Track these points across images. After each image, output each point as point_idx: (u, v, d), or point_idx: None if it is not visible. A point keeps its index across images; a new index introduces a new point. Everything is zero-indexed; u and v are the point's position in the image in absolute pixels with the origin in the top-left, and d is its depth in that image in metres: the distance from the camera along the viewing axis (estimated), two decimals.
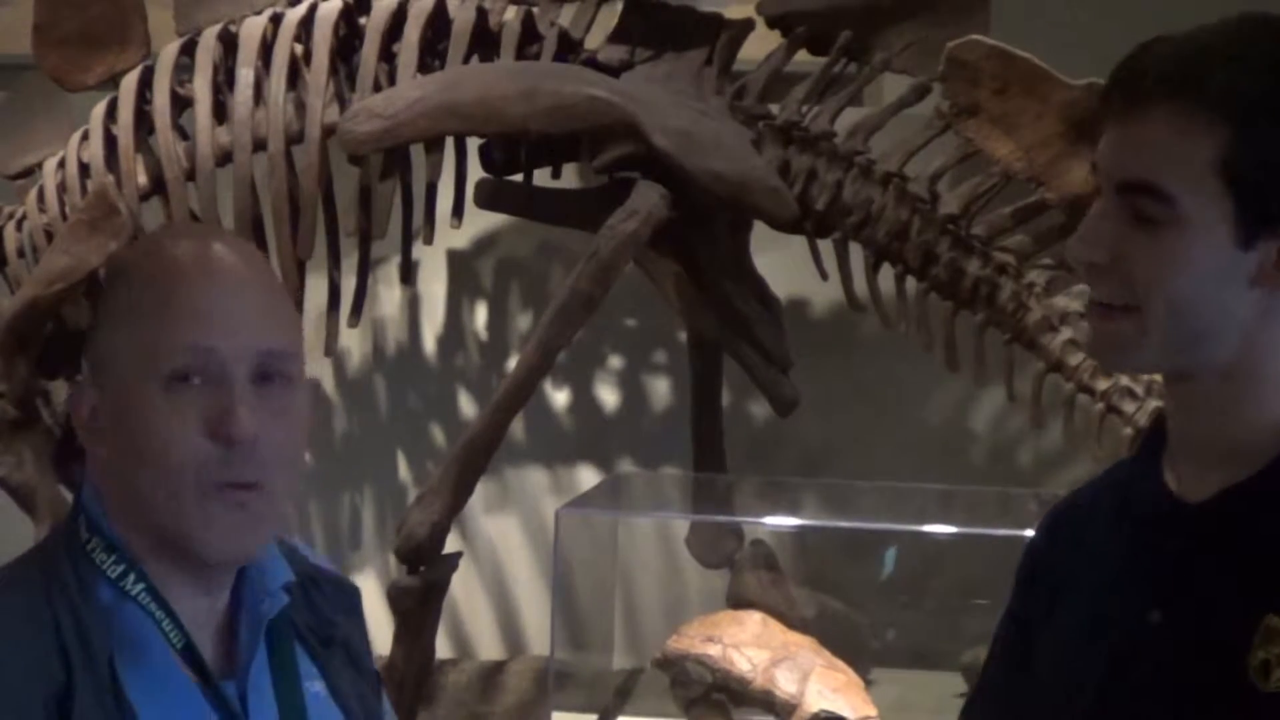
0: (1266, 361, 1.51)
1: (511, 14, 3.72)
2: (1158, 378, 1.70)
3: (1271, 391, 1.52)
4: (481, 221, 4.21)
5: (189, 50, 3.73)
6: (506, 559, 4.37)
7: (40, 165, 3.84)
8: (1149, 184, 1.47)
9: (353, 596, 1.81)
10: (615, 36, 3.73)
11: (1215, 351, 1.50)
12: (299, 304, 3.55)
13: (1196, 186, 1.45)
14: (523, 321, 4.36)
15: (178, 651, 1.54)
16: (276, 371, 1.57)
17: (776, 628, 3.58)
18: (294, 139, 3.64)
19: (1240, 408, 1.52)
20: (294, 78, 3.66)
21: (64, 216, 3.71)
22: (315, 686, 1.66)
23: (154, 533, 1.55)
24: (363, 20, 3.70)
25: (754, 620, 3.58)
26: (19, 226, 3.85)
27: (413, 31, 3.64)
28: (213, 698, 1.55)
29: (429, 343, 4.43)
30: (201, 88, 3.66)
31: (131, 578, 1.55)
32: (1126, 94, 1.50)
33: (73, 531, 1.60)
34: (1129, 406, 3.34)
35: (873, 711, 3.41)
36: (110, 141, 3.70)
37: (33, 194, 3.82)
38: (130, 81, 3.72)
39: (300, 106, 3.64)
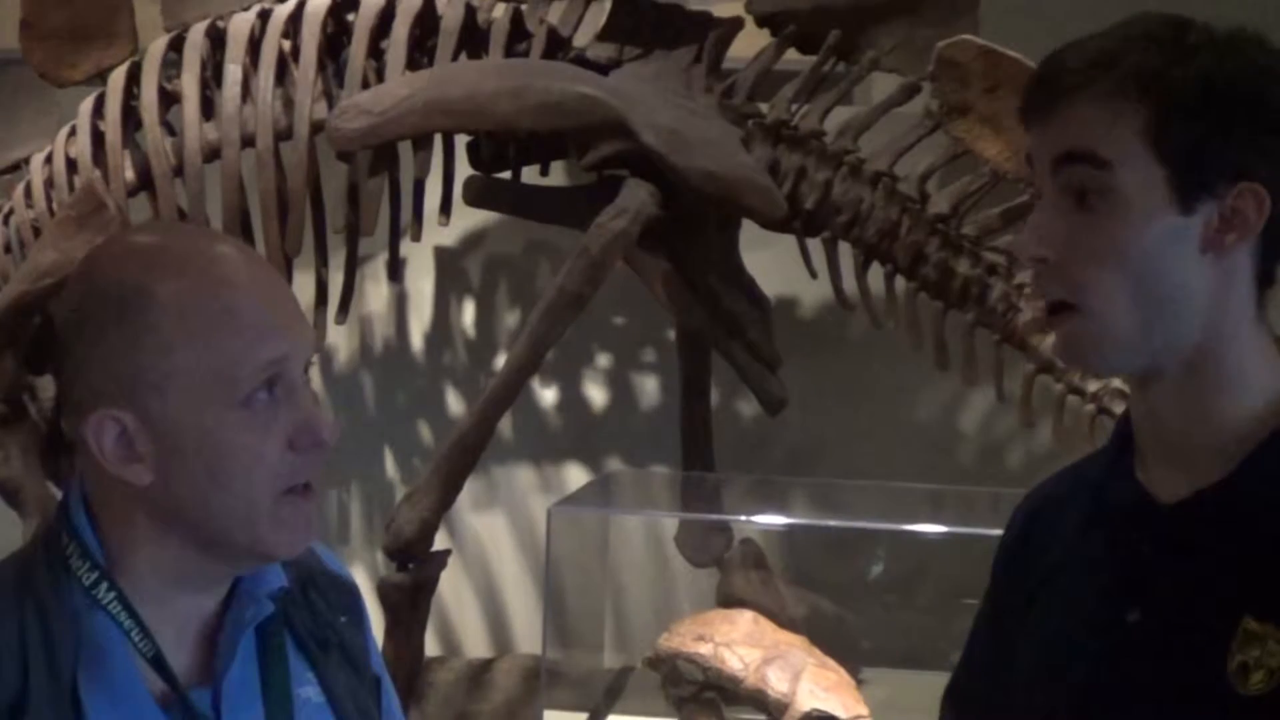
0: (1227, 345, 1.52)
1: (500, 11, 3.72)
2: None
3: (1236, 384, 1.53)
4: (470, 219, 4.21)
5: (177, 46, 3.72)
6: (495, 557, 4.37)
7: (27, 160, 3.84)
8: (1085, 150, 1.49)
9: (352, 597, 1.78)
10: (604, 34, 3.73)
11: (1179, 331, 1.51)
12: None
13: (1129, 152, 1.48)
14: (511, 319, 4.36)
15: (147, 661, 1.52)
16: (309, 368, 1.59)
17: (768, 626, 3.58)
18: (282, 135, 3.63)
19: (1206, 405, 1.53)
20: (282, 74, 3.65)
21: (51, 212, 3.71)
22: (308, 692, 1.63)
23: (200, 547, 1.53)
24: (351, 17, 3.69)
25: (745, 619, 3.58)
26: (5, 222, 3.84)
27: (401, 28, 3.63)
28: (179, 708, 1.52)
29: (417, 340, 4.43)
30: (189, 84, 3.65)
31: (104, 586, 1.52)
32: (1048, 92, 1.53)
33: (53, 538, 1.56)
34: (1119, 408, 3.33)
35: (864, 710, 3.41)
36: (97, 137, 3.70)
37: (19, 189, 3.82)
38: (118, 77, 3.71)
39: (288, 103, 3.63)
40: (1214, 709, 1.47)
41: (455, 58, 3.65)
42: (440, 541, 3.52)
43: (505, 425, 3.97)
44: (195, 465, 1.49)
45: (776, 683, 3.42)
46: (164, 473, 1.50)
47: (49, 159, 3.77)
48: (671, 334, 4.08)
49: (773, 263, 3.86)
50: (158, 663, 1.52)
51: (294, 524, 1.54)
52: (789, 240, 3.66)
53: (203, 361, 1.48)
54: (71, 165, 3.72)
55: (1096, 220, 1.49)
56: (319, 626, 1.68)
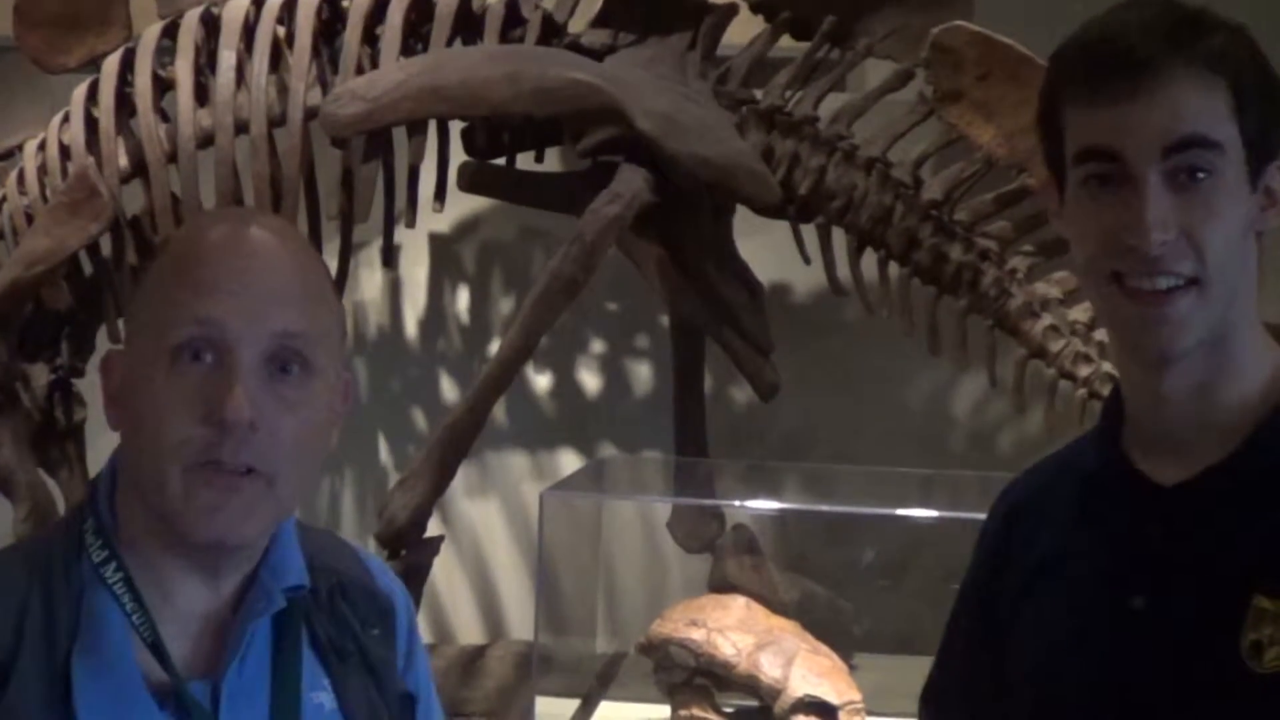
0: (1244, 324, 1.55)
1: None
2: None
3: (1241, 365, 1.55)
4: (464, 205, 4.21)
5: (171, 32, 3.72)
6: (487, 543, 4.37)
7: (20, 147, 3.83)
8: (1201, 136, 1.49)
9: (385, 609, 1.72)
10: (599, 20, 3.74)
11: (1230, 307, 1.52)
12: None
13: (1228, 132, 1.50)
14: (505, 305, 4.36)
15: (147, 646, 1.50)
16: (296, 359, 1.52)
17: (761, 612, 3.58)
18: (276, 121, 3.63)
19: (1216, 385, 1.54)
20: (276, 60, 3.65)
21: (44, 199, 3.70)
22: (320, 698, 1.60)
23: (151, 511, 1.52)
24: (345, 3, 3.69)
25: (738, 605, 3.58)
26: None
27: (396, 14, 3.63)
28: (172, 697, 1.50)
29: (410, 326, 4.43)
30: (183, 70, 3.65)
31: (112, 566, 1.51)
32: (1124, 68, 1.50)
33: (79, 511, 1.58)
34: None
35: (856, 696, 3.42)
36: (91, 124, 3.69)
37: (13, 176, 3.81)
38: (111, 64, 3.70)
39: (282, 89, 3.63)
40: (1229, 690, 1.47)
41: (450, 43, 3.65)
42: (433, 528, 3.53)
43: (499, 411, 3.96)
44: (132, 416, 1.52)
45: (769, 668, 3.42)
46: (124, 421, 1.54)
47: (42, 146, 3.77)
48: (665, 320, 4.08)
49: (766, 249, 3.86)
50: (157, 649, 1.50)
51: (206, 503, 1.48)
52: (783, 226, 3.67)
53: (149, 311, 1.53)
54: (65, 152, 3.71)
55: (1206, 200, 1.49)
56: (340, 634, 1.64)
